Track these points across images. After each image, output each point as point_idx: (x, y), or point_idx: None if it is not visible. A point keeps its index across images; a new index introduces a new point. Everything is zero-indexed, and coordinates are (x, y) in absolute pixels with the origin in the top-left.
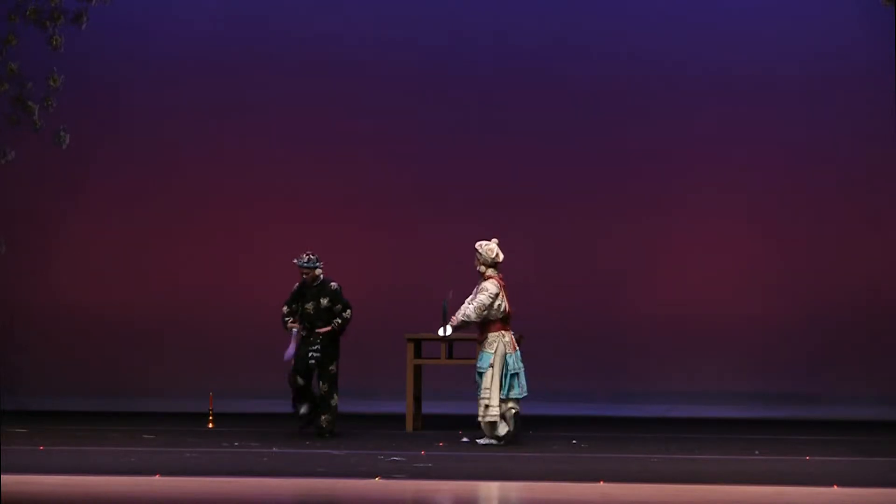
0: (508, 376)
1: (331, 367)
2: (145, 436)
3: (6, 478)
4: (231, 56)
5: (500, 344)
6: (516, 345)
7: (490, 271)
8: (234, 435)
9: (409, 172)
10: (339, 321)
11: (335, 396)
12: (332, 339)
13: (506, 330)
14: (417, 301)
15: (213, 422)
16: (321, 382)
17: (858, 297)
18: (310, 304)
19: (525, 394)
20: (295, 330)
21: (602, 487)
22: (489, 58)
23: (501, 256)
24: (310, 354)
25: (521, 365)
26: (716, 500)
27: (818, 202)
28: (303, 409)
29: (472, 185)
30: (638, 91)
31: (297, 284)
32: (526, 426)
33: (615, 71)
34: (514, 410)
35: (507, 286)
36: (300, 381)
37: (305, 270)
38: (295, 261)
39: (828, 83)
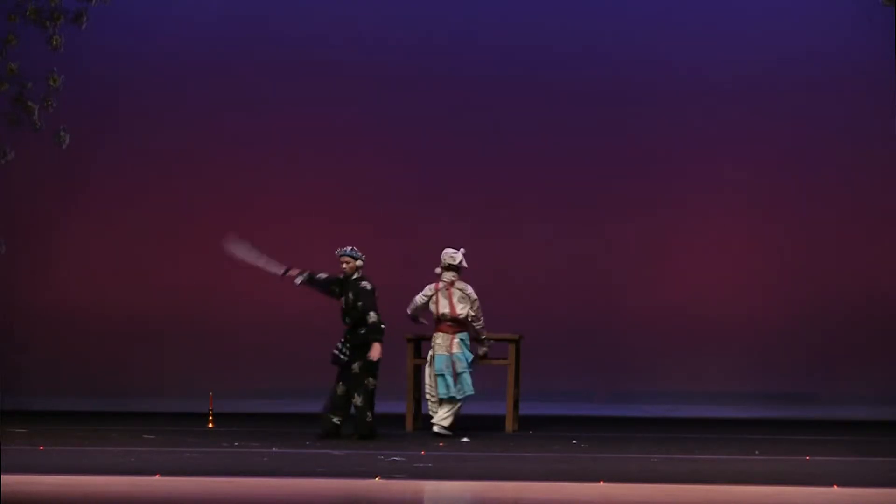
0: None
1: (367, 381)
2: (145, 436)
3: (6, 478)
4: (231, 56)
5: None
6: (449, 347)
7: (447, 275)
8: (234, 435)
9: (410, 172)
10: (368, 329)
11: (369, 414)
12: (367, 348)
13: (439, 331)
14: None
15: (213, 422)
16: (355, 395)
17: (858, 297)
18: (342, 299)
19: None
20: (287, 272)
21: (602, 487)
22: (490, 58)
23: (452, 261)
24: (334, 353)
25: (446, 368)
26: (716, 500)
27: (818, 202)
28: (336, 420)
29: (473, 186)
30: (638, 91)
31: (342, 275)
32: (526, 426)
33: (615, 71)
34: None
35: (510, 286)
36: (340, 387)
37: (345, 259)
38: (337, 251)
39: (828, 83)
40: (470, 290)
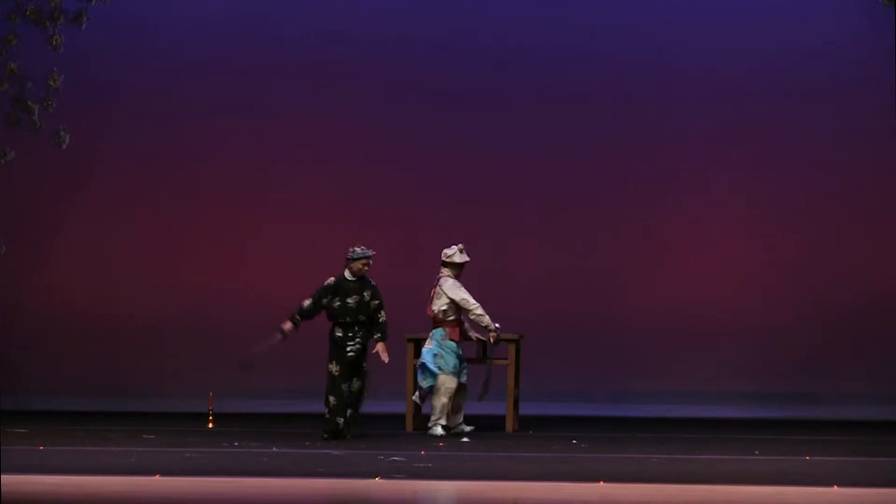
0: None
1: (364, 364)
2: (145, 436)
3: (6, 478)
4: (231, 56)
5: None
6: (428, 341)
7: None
8: (234, 435)
9: (409, 172)
10: (382, 328)
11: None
12: (368, 338)
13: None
14: (417, 301)
15: (213, 422)
16: (354, 379)
17: (858, 296)
18: (352, 298)
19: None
20: (283, 330)
21: (602, 487)
22: (489, 58)
23: (443, 258)
24: (349, 348)
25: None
26: (716, 500)
27: (818, 202)
28: (340, 421)
29: (472, 186)
30: (637, 91)
31: (331, 280)
32: (526, 426)
33: (614, 71)
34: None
35: (509, 286)
36: (354, 384)
37: (365, 261)
38: (356, 250)
39: (827, 83)
40: (448, 284)
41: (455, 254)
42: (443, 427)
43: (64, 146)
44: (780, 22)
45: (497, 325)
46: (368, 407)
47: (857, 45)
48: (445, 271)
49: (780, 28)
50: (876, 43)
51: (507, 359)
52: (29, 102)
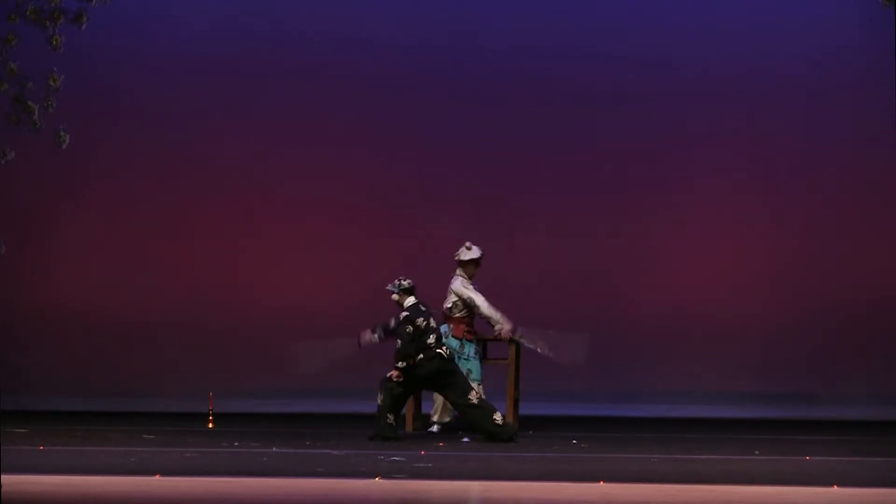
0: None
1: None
2: (145, 436)
3: (6, 478)
4: (231, 56)
5: None
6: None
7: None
8: (234, 435)
9: (409, 173)
10: None
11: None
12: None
13: None
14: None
15: (213, 422)
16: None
17: (858, 296)
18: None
19: None
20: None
21: (602, 487)
22: (488, 59)
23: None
24: None
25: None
26: (716, 500)
27: (818, 202)
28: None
29: (472, 186)
30: (638, 91)
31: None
32: (526, 426)
33: (615, 71)
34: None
35: (509, 286)
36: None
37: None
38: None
39: (827, 83)
40: (456, 283)
41: (462, 252)
42: (435, 423)
43: (64, 146)
44: (778, 22)
45: (510, 326)
46: (368, 407)
47: (857, 46)
48: (458, 270)
49: (779, 28)
50: (876, 43)
51: (507, 359)
52: (29, 102)
